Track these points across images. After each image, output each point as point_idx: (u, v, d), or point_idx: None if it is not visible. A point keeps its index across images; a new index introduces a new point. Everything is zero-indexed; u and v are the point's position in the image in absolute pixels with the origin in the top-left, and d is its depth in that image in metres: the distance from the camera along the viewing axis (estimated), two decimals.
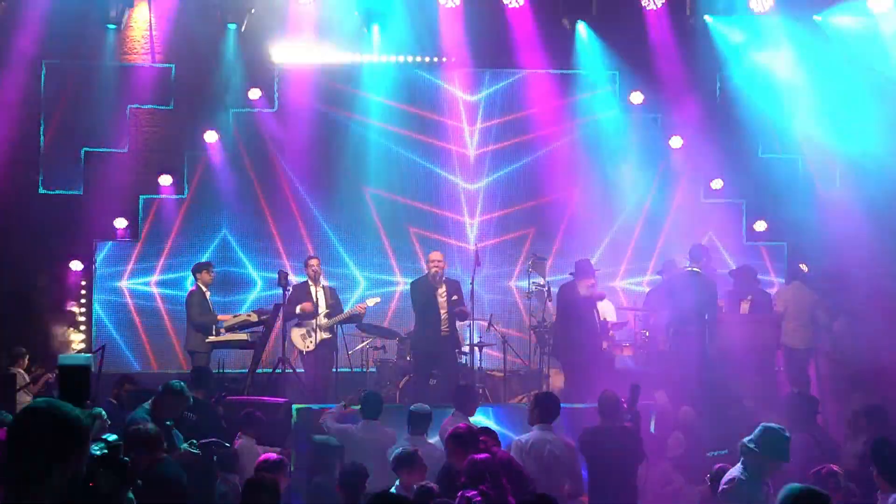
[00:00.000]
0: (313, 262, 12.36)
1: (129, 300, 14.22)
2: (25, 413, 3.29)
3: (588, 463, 8.21)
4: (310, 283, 12.25)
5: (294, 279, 12.62)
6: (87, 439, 3.31)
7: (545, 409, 8.27)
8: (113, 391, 11.24)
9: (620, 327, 13.03)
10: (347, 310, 12.46)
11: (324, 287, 12.39)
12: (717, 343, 11.69)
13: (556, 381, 12.54)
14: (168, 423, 8.04)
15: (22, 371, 12.49)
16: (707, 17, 14.31)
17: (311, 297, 12.09)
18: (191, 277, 13.11)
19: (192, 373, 10.39)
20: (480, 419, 10.02)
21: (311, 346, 11.96)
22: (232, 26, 13.90)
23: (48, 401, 3.41)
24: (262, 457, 7.74)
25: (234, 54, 14.03)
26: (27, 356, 12.51)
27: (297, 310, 12.03)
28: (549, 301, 12.64)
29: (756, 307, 12.68)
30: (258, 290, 14.31)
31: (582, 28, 14.38)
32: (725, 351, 11.70)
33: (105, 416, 7.79)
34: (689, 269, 11.94)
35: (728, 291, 13.03)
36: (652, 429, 10.64)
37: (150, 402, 8.30)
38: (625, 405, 8.22)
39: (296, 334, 12.05)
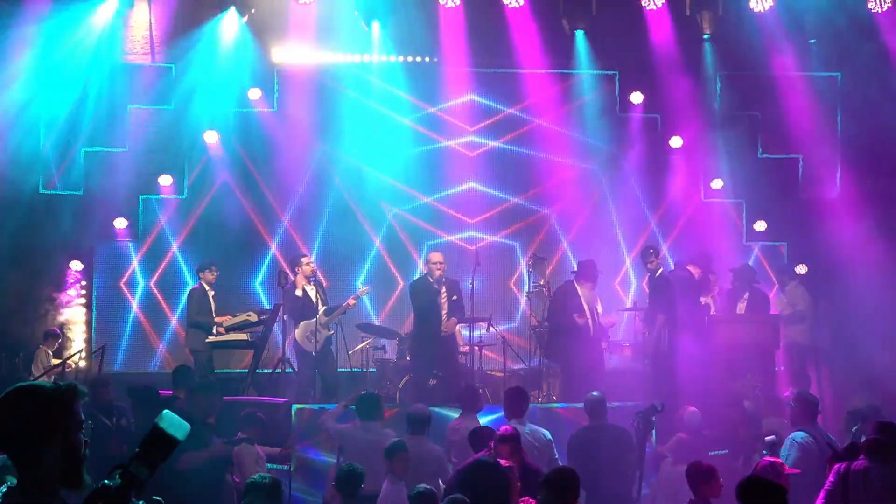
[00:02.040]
0: (306, 259, 12.30)
1: (128, 300, 14.22)
2: (9, 394, 3.28)
3: (577, 464, 8.18)
4: (302, 281, 12.13)
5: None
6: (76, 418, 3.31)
7: (516, 403, 8.56)
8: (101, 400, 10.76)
9: (609, 326, 13.02)
10: (342, 304, 12.38)
11: (314, 284, 12.30)
12: (716, 343, 11.71)
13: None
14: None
15: (49, 352, 12.57)
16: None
17: (308, 297, 12.02)
18: (194, 277, 13.12)
19: (173, 372, 10.34)
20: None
21: (320, 345, 11.92)
22: (232, 25, 13.87)
23: (30, 382, 3.43)
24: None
25: (234, 53, 14.03)
26: (59, 340, 12.85)
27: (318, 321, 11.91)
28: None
29: (752, 307, 12.69)
30: (258, 290, 14.31)
31: (582, 29, 14.39)
32: (725, 351, 11.70)
33: None
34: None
35: (726, 290, 13.05)
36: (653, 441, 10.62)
37: (181, 400, 8.33)
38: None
39: (301, 335, 11.99)
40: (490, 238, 14.81)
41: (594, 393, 8.66)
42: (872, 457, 7.03)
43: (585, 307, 11.84)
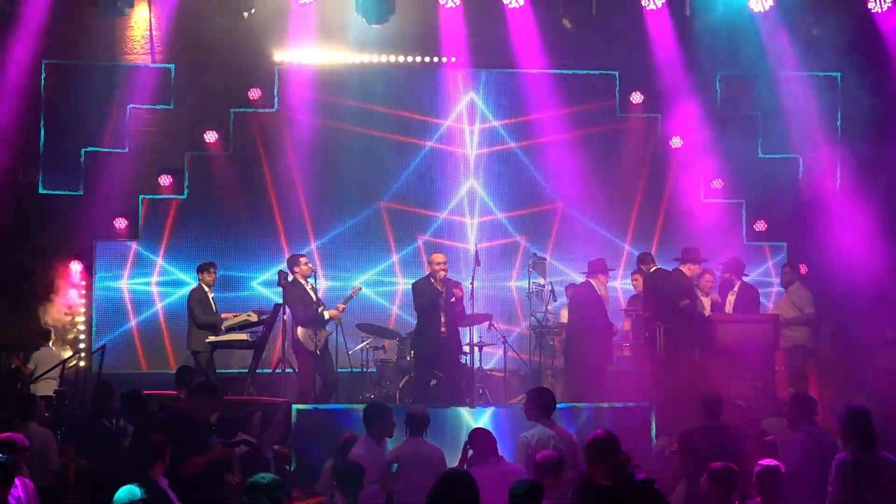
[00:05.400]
0: (304, 259, 12.30)
1: (128, 300, 14.22)
2: None
3: (689, 462, 8.09)
4: (302, 281, 12.16)
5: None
6: None
7: (544, 403, 8.29)
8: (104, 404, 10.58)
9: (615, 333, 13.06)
10: (339, 304, 12.38)
11: (313, 284, 12.30)
12: (716, 343, 11.73)
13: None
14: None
15: (52, 349, 12.60)
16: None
17: (311, 296, 12.03)
18: (194, 277, 13.14)
19: (177, 373, 10.36)
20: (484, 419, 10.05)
21: (321, 344, 11.93)
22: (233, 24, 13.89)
23: None
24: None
25: (234, 53, 14.03)
26: (51, 337, 12.88)
27: (327, 315, 11.93)
28: (554, 301, 12.68)
29: (742, 300, 12.71)
30: (258, 290, 14.31)
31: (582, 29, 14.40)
32: (725, 351, 11.71)
33: None
34: (656, 268, 12.13)
35: (717, 284, 13.08)
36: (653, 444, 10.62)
37: (181, 401, 8.35)
38: None
39: (303, 334, 11.99)
40: (490, 238, 14.81)
41: (710, 392, 8.55)
42: None
43: (606, 306, 12.10)
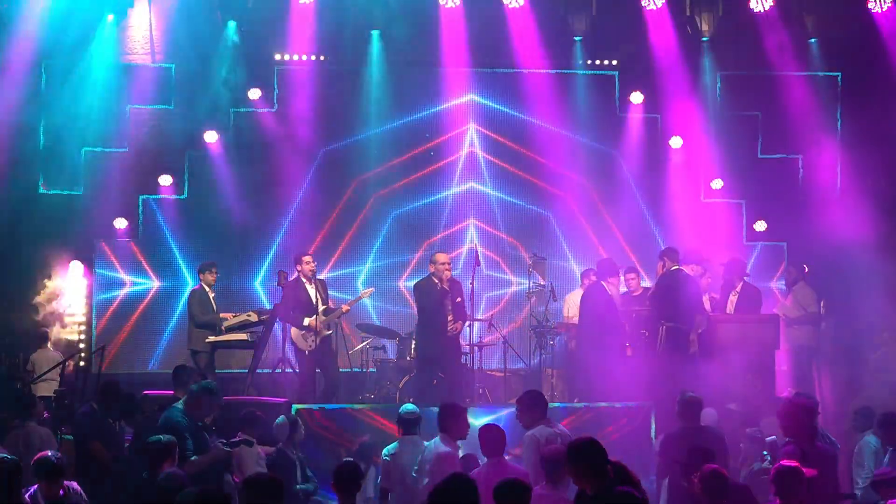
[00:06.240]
0: (307, 258, 12.29)
1: (128, 300, 14.22)
2: None
3: (670, 467, 8.01)
4: (303, 280, 12.16)
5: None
6: None
7: (538, 405, 8.29)
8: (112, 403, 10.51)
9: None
10: (343, 306, 12.40)
11: (316, 282, 12.30)
12: (716, 343, 11.72)
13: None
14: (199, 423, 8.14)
15: (50, 350, 12.61)
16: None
17: (308, 295, 12.01)
18: (194, 277, 13.15)
19: (173, 372, 10.35)
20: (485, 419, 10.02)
21: (313, 346, 11.91)
22: (232, 25, 13.91)
23: None
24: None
25: (234, 53, 14.03)
26: (48, 339, 12.92)
27: (305, 322, 11.90)
28: (554, 300, 12.67)
29: (743, 301, 12.71)
30: (258, 290, 14.31)
31: (581, 29, 14.40)
32: (725, 351, 11.70)
33: None
34: (677, 268, 12.10)
35: (720, 286, 13.08)
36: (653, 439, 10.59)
37: (182, 401, 8.34)
38: None
39: (297, 334, 12.00)
40: (490, 239, 14.81)
41: (689, 394, 8.59)
42: None
43: (617, 307, 12.06)
